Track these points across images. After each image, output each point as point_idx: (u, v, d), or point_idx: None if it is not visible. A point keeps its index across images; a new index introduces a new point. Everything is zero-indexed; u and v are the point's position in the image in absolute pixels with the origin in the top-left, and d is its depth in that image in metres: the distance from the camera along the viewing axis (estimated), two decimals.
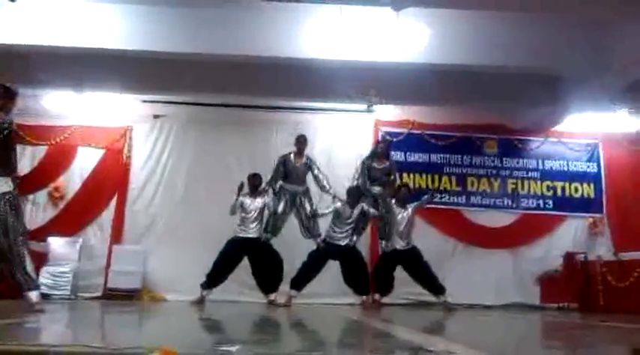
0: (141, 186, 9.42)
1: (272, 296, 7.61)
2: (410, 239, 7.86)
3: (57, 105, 9.09)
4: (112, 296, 8.37)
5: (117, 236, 9.10)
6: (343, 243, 7.71)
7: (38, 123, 9.26)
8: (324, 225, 8.04)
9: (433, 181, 9.65)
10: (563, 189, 9.84)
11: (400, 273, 7.94)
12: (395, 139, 9.61)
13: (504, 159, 9.88)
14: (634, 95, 7.81)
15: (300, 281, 7.65)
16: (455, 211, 9.62)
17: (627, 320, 6.19)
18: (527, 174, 9.87)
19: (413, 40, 6.82)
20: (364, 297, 7.90)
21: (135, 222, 9.25)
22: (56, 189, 9.24)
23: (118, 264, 8.65)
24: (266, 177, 8.02)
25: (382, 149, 8.45)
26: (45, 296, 7.99)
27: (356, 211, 7.76)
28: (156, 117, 9.64)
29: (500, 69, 7.57)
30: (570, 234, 9.62)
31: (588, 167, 9.96)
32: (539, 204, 9.77)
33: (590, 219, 9.66)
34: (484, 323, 5.91)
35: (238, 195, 7.56)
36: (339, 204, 7.74)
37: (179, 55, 7.28)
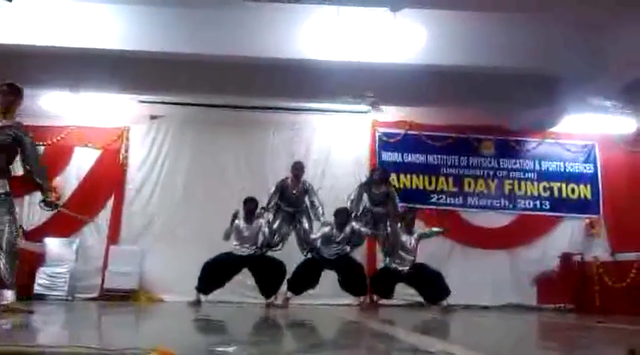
0: (138, 186, 9.41)
1: (271, 298, 7.59)
2: (414, 260, 7.81)
3: (54, 106, 9.06)
4: (109, 297, 8.35)
5: (114, 236, 9.09)
6: (333, 257, 7.64)
7: (35, 123, 9.11)
8: None
9: (430, 182, 9.66)
10: (559, 190, 9.86)
11: None
12: (392, 140, 9.63)
13: (501, 160, 9.90)
14: (630, 96, 7.83)
15: (297, 285, 7.58)
16: (452, 212, 9.62)
17: (624, 321, 6.20)
18: (523, 175, 9.89)
19: (410, 41, 6.83)
20: (362, 298, 7.89)
21: (132, 222, 9.23)
22: (53, 189, 9.20)
23: (115, 264, 8.64)
24: (265, 176, 7.98)
25: (378, 176, 8.27)
26: (42, 297, 8.02)
27: (347, 229, 7.62)
28: (153, 117, 9.64)
29: (497, 70, 7.58)
30: (567, 235, 9.64)
31: (585, 168, 9.98)
32: (535, 205, 9.79)
33: (587, 220, 9.69)
34: (481, 323, 5.91)
35: (233, 221, 7.44)
36: (326, 229, 7.57)
37: (176, 56, 7.27)
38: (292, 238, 8.14)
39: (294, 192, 7.93)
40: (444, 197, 9.65)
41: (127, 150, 9.49)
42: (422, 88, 8.00)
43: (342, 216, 7.57)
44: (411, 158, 9.74)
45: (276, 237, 7.93)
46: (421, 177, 9.67)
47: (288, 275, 7.61)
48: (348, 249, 7.80)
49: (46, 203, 5.10)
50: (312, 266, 7.64)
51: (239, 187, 8.68)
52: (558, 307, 8.78)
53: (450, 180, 9.74)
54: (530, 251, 9.53)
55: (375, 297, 7.90)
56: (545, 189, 9.86)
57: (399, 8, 6.17)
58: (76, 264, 8.67)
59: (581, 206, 9.82)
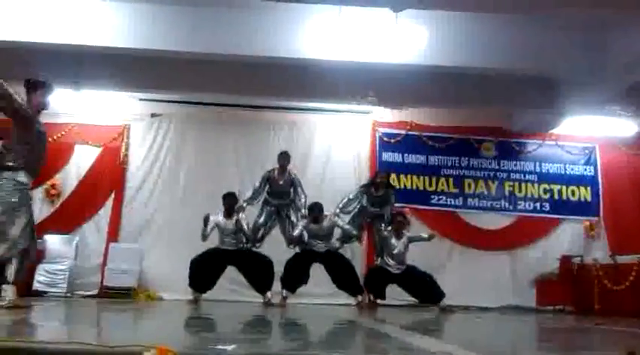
0: (138, 184, 9.42)
1: (268, 296, 7.59)
2: (404, 263, 7.82)
3: (54, 103, 9.02)
4: (108, 295, 8.36)
5: (113, 234, 9.10)
6: (323, 249, 7.69)
7: None
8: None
9: (430, 183, 9.66)
10: (560, 191, 9.86)
11: None
12: (392, 140, 9.64)
13: (501, 161, 9.90)
14: (631, 99, 7.83)
15: (289, 281, 7.60)
16: (452, 213, 9.63)
17: (623, 323, 6.19)
18: (524, 176, 9.89)
19: (411, 42, 6.84)
20: (359, 297, 7.89)
21: (131, 220, 9.24)
22: (53, 186, 9.22)
23: (114, 262, 8.64)
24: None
25: (380, 180, 8.24)
26: (41, 294, 8.03)
27: (325, 224, 7.66)
28: (153, 115, 9.64)
29: (498, 71, 7.60)
30: (567, 237, 9.65)
31: (585, 170, 9.98)
32: (536, 207, 9.79)
33: (587, 222, 9.69)
34: (479, 324, 5.91)
35: (205, 226, 7.43)
36: (303, 223, 7.59)
37: (177, 54, 7.29)
38: (278, 233, 8.11)
39: (281, 182, 7.92)
40: (444, 198, 9.65)
41: (127, 148, 9.50)
42: (423, 89, 8.02)
43: (314, 210, 7.59)
44: (411, 159, 9.74)
45: (260, 232, 7.93)
46: (421, 177, 9.67)
47: (279, 272, 7.61)
48: (337, 244, 7.83)
49: None
50: (301, 260, 7.67)
51: (239, 186, 8.67)
52: (557, 309, 8.78)
53: (451, 181, 9.73)
54: (530, 252, 9.55)
55: (371, 297, 7.91)
56: (545, 190, 9.86)
57: (401, 8, 6.17)
58: (76, 261, 8.69)
59: (581, 208, 9.82)
